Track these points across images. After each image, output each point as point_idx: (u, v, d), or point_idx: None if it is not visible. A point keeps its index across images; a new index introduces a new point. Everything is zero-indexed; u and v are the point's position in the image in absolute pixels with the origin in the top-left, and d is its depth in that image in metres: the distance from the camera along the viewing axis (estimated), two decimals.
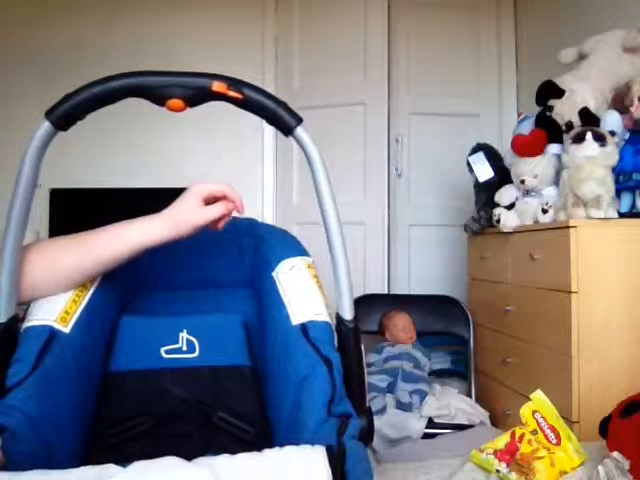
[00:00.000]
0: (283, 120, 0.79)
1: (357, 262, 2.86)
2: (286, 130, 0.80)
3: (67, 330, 0.86)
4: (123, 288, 1.06)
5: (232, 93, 0.77)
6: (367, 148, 2.90)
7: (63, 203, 2.84)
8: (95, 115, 0.77)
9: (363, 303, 2.53)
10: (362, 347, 0.88)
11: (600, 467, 1.06)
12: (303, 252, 1.04)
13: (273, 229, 1.15)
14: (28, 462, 0.72)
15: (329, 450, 0.65)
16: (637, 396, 1.21)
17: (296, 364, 0.87)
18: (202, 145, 3.12)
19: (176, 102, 0.76)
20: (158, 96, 0.76)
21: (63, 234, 0.99)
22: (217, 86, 0.76)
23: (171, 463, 0.60)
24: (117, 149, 3.05)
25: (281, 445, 0.70)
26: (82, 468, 0.61)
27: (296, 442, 0.75)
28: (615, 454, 1.08)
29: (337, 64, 2.95)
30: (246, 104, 0.78)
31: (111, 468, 0.60)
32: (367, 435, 0.83)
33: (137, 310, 1.08)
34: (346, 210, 2.84)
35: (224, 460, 0.63)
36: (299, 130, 0.80)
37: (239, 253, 1.14)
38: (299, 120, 0.79)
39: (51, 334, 0.84)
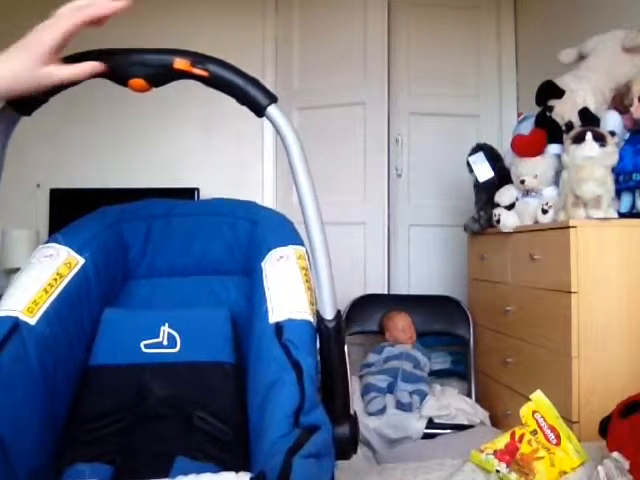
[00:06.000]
0: (254, 99, 0.72)
1: (357, 262, 2.86)
2: (258, 109, 0.72)
3: (33, 322, 0.80)
4: (109, 276, 0.99)
5: (196, 70, 0.70)
6: (367, 148, 2.90)
7: (63, 203, 2.83)
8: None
9: (363, 303, 2.51)
10: (346, 348, 0.80)
11: (600, 467, 1.06)
12: (296, 240, 0.97)
13: (271, 214, 1.08)
14: None
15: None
16: (637, 396, 1.21)
17: (265, 367, 0.79)
18: (202, 145, 3.11)
19: (138, 82, 0.70)
20: (120, 76, 0.70)
21: None
22: (179, 63, 0.70)
23: None
24: (117, 149, 3.04)
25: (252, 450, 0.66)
26: None
27: (257, 450, 0.70)
28: (615, 454, 1.07)
29: (337, 64, 2.95)
30: (212, 82, 0.71)
31: None
32: (349, 446, 0.75)
33: (123, 300, 1.02)
34: (346, 210, 2.86)
35: None
36: (271, 109, 0.72)
37: (235, 238, 1.07)
38: (272, 98, 0.72)
39: (13, 326, 0.79)
